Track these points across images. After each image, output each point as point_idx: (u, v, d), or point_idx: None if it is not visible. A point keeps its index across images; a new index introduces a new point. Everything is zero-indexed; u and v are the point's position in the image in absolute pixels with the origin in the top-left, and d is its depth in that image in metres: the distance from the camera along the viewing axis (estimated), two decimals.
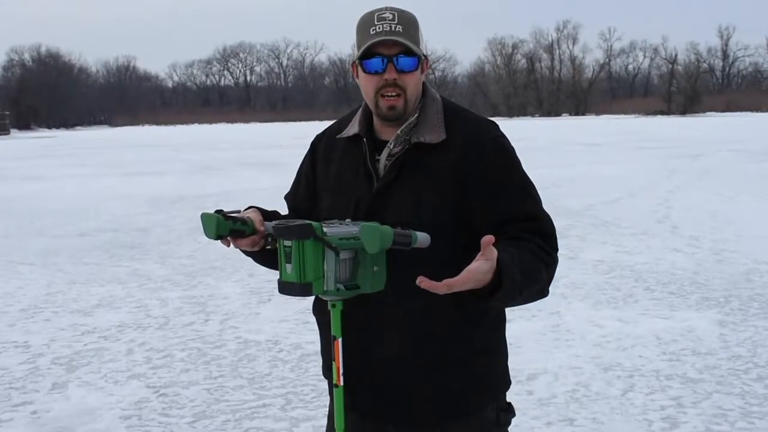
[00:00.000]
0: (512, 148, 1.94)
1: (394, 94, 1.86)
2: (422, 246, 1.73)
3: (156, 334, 5.79)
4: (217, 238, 1.80)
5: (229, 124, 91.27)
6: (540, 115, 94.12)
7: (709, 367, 4.77)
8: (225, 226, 1.79)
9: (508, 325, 2.03)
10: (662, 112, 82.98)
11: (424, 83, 1.94)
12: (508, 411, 2.00)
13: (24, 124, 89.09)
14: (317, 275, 1.70)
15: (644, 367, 4.82)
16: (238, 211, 1.87)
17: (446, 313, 1.83)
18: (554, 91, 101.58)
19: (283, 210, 2.10)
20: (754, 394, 4.32)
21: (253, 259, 1.98)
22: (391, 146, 1.91)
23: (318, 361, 2.30)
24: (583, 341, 5.36)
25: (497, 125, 1.96)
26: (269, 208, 2.00)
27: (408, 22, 1.85)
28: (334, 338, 1.81)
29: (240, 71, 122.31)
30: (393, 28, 1.83)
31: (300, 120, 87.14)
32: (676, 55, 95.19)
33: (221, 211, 1.80)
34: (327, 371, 2.02)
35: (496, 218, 1.83)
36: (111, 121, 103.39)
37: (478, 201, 1.85)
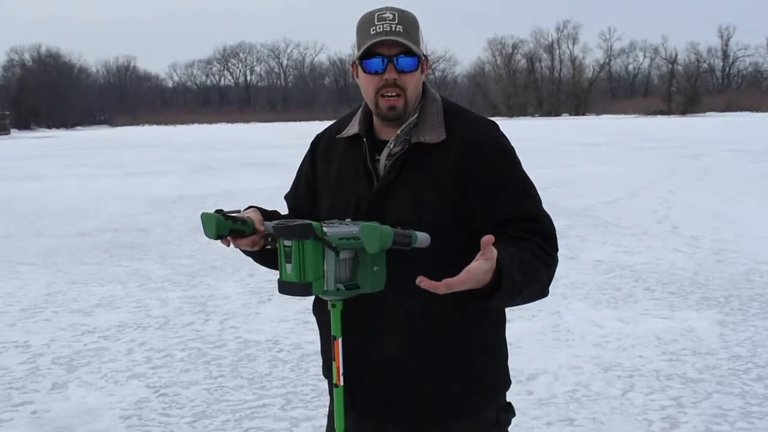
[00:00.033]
0: (512, 148, 1.94)
1: (394, 94, 1.86)
2: (422, 246, 1.73)
3: (156, 334, 5.79)
4: (217, 238, 1.80)
5: (229, 124, 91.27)
6: (540, 115, 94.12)
7: (709, 367, 4.77)
8: (225, 226, 1.79)
9: (508, 325, 2.03)
10: (662, 112, 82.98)
11: (424, 83, 1.94)
12: (508, 411, 2.00)
13: (24, 124, 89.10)
14: (317, 275, 1.70)
15: (644, 367, 4.82)
16: (238, 211, 1.87)
17: (446, 313, 1.84)
18: (554, 91, 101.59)
19: (283, 210, 2.10)
20: (754, 394, 4.32)
21: (253, 259, 1.98)
22: (391, 146, 1.91)
23: (318, 361, 2.30)
24: (583, 341, 5.36)
25: (497, 125, 1.96)
26: (269, 208, 2.00)
27: (408, 22, 1.85)
28: (334, 338, 1.81)
29: (240, 71, 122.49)
30: (393, 28, 1.83)
31: (300, 120, 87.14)
32: (676, 55, 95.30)
33: (221, 210, 1.80)
34: (327, 371, 2.02)
35: (496, 218, 1.83)
36: (111, 121, 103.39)
37: (478, 201, 1.85)
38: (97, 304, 6.79)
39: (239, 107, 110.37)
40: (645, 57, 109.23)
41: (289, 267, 1.71)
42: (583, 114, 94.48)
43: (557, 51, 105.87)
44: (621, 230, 9.90)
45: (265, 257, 1.93)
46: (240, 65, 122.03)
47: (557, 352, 5.13)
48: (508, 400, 2.03)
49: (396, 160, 1.89)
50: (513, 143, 1.97)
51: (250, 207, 1.94)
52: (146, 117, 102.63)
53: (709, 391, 4.39)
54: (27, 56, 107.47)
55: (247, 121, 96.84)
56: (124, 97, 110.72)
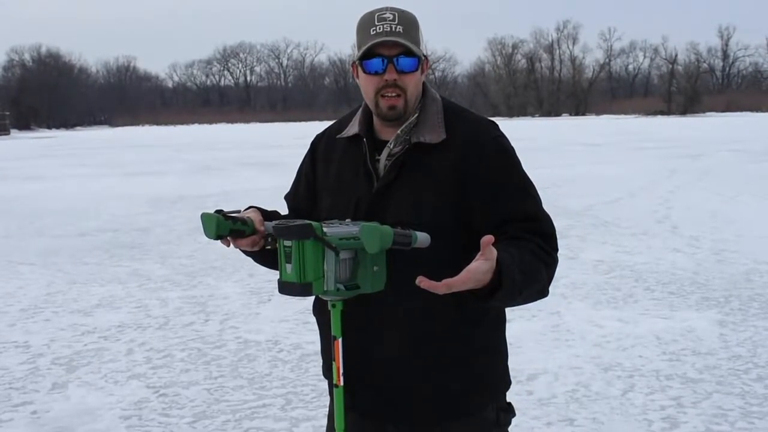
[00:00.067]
0: (512, 148, 1.94)
1: (394, 94, 1.86)
2: (422, 246, 1.73)
3: (156, 334, 5.79)
4: (217, 238, 1.80)
5: (229, 124, 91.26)
6: (540, 115, 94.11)
7: (709, 367, 4.77)
8: (225, 226, 1.79)
9: (508, 325, 2.03)
10: (662, 112, 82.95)
11: (424, 83, 1.94)
12: (508, 411, 2.00)
13: (24, 124, 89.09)
14: (317, 275, 1.70)
15: (644, 367, 4.82)
16: (238, 211, 1.87)
17: (446, 313, 1.84)
18: (554, 91, 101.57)
19: (283, 210, 2.10)
20: (754, 394, 4.32)
21: (253, 259, 1.98)
22: (391, 146, 1.91)
23: (318, 361, 2.30)
24: (583, 341, 5.36)
25: (497, 125, 1.96)
26: (269, 208, 2.00)
27: (408, 23, 1.85)
28: (334, 338, 1.81)
29: (240, 71, 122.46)
30: (393, 29, 1.83)
31: (300, 120, 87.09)
32: (676, 55, 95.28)
33: (221, 211, 1.80)
34: (327, 371, 2.02)
35: (496, 218, 1.83)
36: (111, 122, 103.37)
37: (478, 201, 1.85)
38: (97, 304, 6.79)
39: (239, 107, 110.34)
40: (645, 57, 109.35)
41: (289, 267, 1.71)
42: (583, 114, 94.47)
43: (557, 51, 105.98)
44: (621, 230, 9.90)
45: (265, 257, 1.93)
46: (240, 65, 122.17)
47: (557, 352, 5.14)
48: (508, 400, 2.03)
49: (396, 160, 1.89)
50: (513, 143, 1.97)
51: (250, 207, 1.94)
52: (146, 117, 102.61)
53: (709, 391, 4.39)
54: (27, 56, 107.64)
55: (247, 121, 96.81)
56: (124, 98, 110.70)
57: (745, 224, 10.08)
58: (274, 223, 1.76)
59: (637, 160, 21.71)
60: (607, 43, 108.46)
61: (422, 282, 1.56)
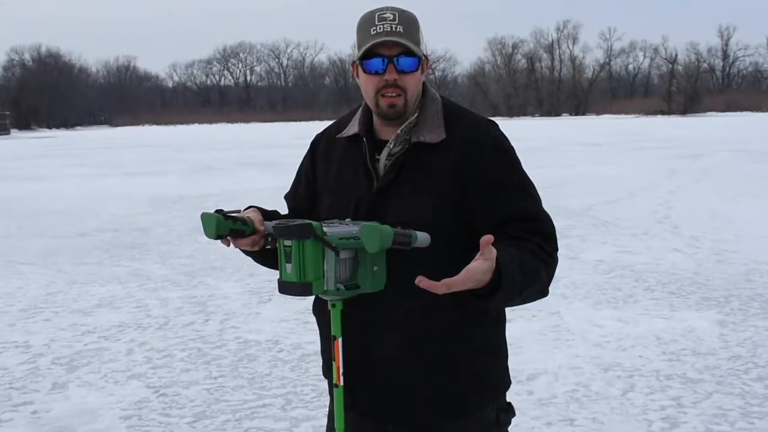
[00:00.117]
0: (512, 147, 1.94)
1: (394, 94, 1.86)
2: (422, 246, 1.73)
3: (156, 334, 5.79)
4: (217, 238, 1.80)
5: (229, 124, 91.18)
6: (540, 115, 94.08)
7: (709, 367, 4.77)
8: (225, 226, 1.79)
9: (508, 325, 2.03)
10: (662, 112, 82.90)
11: (424, 83, 1.94)
12: (508, 411, 2.00)
13: (24, 124, 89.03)
14: (317, 275, 1.70)
15: (644, 367, 4.82)
16: (238, 211, 1.87)
17: (446, 312, 1.84)
18: (554, 91, 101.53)
19: (283, 210, 2.10)
20: (754, 394, 4.32)
21: (253, 259, 1.98)
22: (391, 146, 1.91)
23: (318, 361, 2.30)
24: (583, 341, 5.36)
25: (497, 125, 1.96)
26: (269, 208, 2.00)
27: (409, 23, 1.85)
28: (334, 338, 1.81)
29: (240, 71, 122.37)
30: (394, 29, 1.83)
31: (300, 120, 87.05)
32: (676, 55, 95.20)
33: (221, 210, 1.80)
34: (327, 371, 2.02)
35: (496, 218, 1.83)
36: (111, 121, 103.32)
37: (478, 201, 1.85)
38: (98, 304, 6.79)
39: (239, 107, 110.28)
40: (645, 57, 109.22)
41: (289, 267, 1.71)
42: (583, 114, 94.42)
43: (557, 51, 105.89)
44: (621, 230, 9.90)
45: (265, 257, 1.93)
46: (240, 65, 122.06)
47: (557, 352, 5.14)
48: (508, 400, 2.03)
49: (396, 159, 1.89)
50: (513, 143, 1.97)
51: (250, 207, 1.94)
52: (146, 117, 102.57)
53: (709, 391, 4.39)
54: (27, 56, 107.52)
55: (247, 121, 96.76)
56: (125, 97, 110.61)
57: (745, 224, 10.08)
58: (274, 222, 1.76)
59: (638, 160, 21.71)
60: (607, 42, 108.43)
61: (422, 282, 1.56)
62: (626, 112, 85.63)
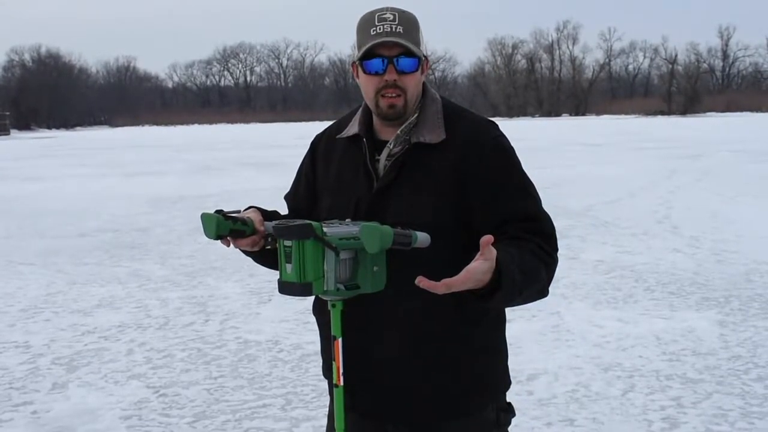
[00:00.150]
0: (512, 148, 1.94)
1: (394, 94, 1.86)
2: (422, 246, 1.73)
3: (156, 335, 5.79)
4: (217, 238, 1.80)
5: (229, 125, 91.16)
6: (540, 116, 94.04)
7: (709, 368, 4.77)
8: (225, 226, 1.79)
9: (508, 325, 2.03)
10: (662, 113, 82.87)
11: (423, 83, 1.94)
12: (508, 411, 2.00)
13: (24, 125, 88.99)
14: (317, 275, 1.70)
15: (644, 367, 4.82)
16: (238, 211, 1.87)
17: (446, 312, 1.84)
18: (554, 92, 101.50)
19: (283, 210, 2.11)
20: (754, 394, 4.32)
21: (253, 259, 1.98)
22: (391, 146, 1.91)
23: (318, 361, 2.30)
24: (584, 341, 5.36)
25: (497, 125, 1.96)
26: (269, 208, 2.00)
27: (409, 23, 1.85)
28: (334, 338, 1.81)
29: (240, 71, 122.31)
30: (394, 29, 1.83)
31: (300, 120, 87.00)
32: (676, 56, 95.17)
33: (221, 211, 1.80)
34: (327, 371, 2.02)
35: (496, 218, 1.83)
36: (111, 122, 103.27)
37: (478, 201, 1.85)
38: (98, 304, 6.79)
39: (239, 107, 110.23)
40: (645, 57, 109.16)
41: (289, 267, 1.71)
42: (583, 114, 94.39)
43: (557, 51, 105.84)
44: (621, 230, 9.90)
45: (265, 257, 1.93)
46: (240, 65, 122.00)
47: (557, 352, 5.14)
48: (508, 400, 2.03)
49: (396, 160, 1.89)
50: (513, 143, 1.97)
51: (250, 207, 1.94)
52: (146, 117, 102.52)
53: (709, 391, 4.39)
54: (27, 56, 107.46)
55: (247, 121, 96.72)
56: (125, 98, 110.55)
57: (745, 224, 10.08)
58: (274, 223, 1.76)
59: (637, 160, 21.71)
60: (607, 43, 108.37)
61: (422, 282, 1.56)
62: (626, 113, 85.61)
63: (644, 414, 4.10)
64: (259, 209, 1.93)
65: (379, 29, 1.83)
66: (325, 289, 1.72)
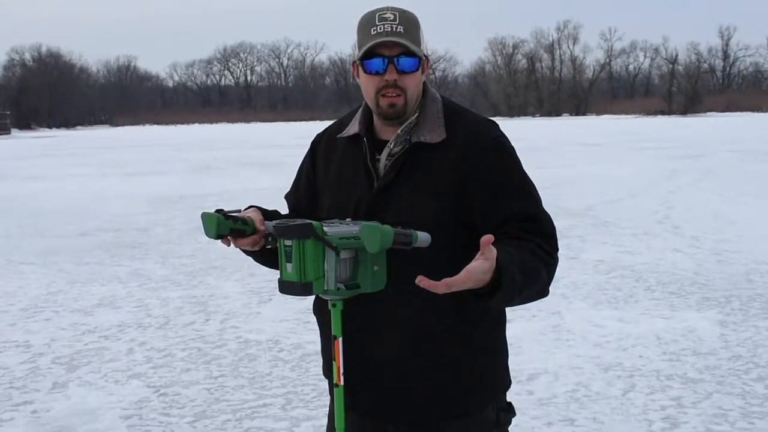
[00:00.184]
0: (512, 147, 1.94)
1: (394, 94, 1.86)
2: (422, 245, 1.73)
3: (156, 334, 5.79)
4: (217, 238, 1.80)
5: (230, 124, 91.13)
6: (540, 115, 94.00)
7: (709, 367, 4.77)
8: (225, 226, 1.79)
9: (508, 325, 2.03)
10: (663, 112, 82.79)
11: (424, 83, 1.94)
12: (508, 411, 2.00)
13: (25, 124, 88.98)
14: (318, 275, 1.70)
15: (644, 367, 4.82)
16: (239, 211, 1.87)
17: (446, 312, 1.84)
18: (555, 91, 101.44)
19: (284, 210, 2.11)
20: (755, 394, 4.32)
21: (253, 258, 1.98)
22: (392, 146, 1.91)
23: (318, 361, 2.30)
24: (584, 341, 5.36)
25: (497, 125, 1.96)
26: (269, 208, 2.00)
27: (409, 23, 1.85)
28: (335, 338, 1.81)
29: (240, 71, 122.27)
30: (394, 29, 1.83)
31: (300, 120, 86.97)
32: (676, 55, 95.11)
33: (222, 210, 1.80)
34: (327, 371, 2.02)
35: (496, 218, 1.83)
36: (112, 121, 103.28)
37: (478, 201, 1.85)
38: (98, 303, 6.79)
39: (240, 107, 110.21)
40: (645, 57, 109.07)
41: (289, 267, 1.71)
42: (584, 114, 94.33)
43: (558, 51, 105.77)
44: (621, 230, 9.90)
45: (266, 257, 1.93)
46: (240, 65, 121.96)
47: (557, 352, 5.14)
48: (508, 400, 2.03)
49: (396, 159, 1.89)
50: (513, 143, 1.97)
51: (250, 207, 1.94)
52: (147, 117, 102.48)
53: (710, 391, 4.39)
54: (27, 56, 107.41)
55: (247, 120, 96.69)
56: (125, 97, 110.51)
57: (746, 224, 10.08)
58: (274, 222, 1.76)
59: (638, 160, 21.71)
60: (607, 43, 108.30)
61: (422, 281, 1.56)
62: (626, 113, 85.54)
63: (644, 414, 4.10)
64: (259, 209, 1.93)
65: (380, 29, 1.83)
66: (325, 288, 1.72)
